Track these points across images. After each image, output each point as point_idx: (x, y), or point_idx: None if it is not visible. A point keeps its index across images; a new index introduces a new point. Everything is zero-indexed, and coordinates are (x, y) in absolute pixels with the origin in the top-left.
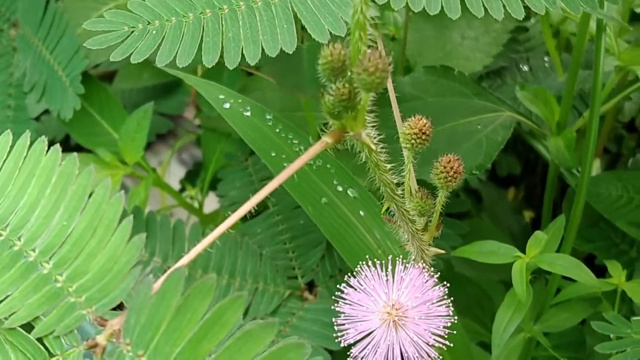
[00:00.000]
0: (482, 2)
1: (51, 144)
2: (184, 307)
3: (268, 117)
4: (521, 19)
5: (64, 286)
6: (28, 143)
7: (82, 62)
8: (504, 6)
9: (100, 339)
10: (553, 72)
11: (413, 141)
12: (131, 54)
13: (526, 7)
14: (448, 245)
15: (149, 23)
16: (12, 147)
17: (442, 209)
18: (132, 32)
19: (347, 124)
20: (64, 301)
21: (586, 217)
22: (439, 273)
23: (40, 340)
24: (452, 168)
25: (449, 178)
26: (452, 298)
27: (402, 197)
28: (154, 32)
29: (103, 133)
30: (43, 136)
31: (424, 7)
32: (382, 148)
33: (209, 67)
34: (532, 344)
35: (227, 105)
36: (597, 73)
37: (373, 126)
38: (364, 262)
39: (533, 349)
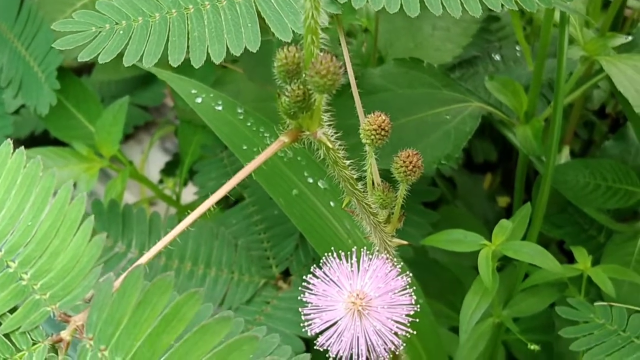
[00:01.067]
0: (441, 1)
1: (30, 136)
2: (143, 303)
3: (239, 110)
4: (478, 16)
5: (29, 284)
6: None
7: (57, 57)
8: (461, 4)
9: (65, 334)
10: (524, 61)
11: (373, 137)
12: (99, 53)
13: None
14: (419, 233)
15: (116, 23)
16: None
17: (410, 198)
18: (100, 32)
19: (304, 124)
20: (29, 298)
21: (555, 204)
22: (401, 263)
23: (7, 336)
24: (411, 162)
25: (408, 172)
26: (425, 283)
27: (363, 191)
28: (121, 32)
29: (80, 126)
30: (8, 139)
31: (383, 6)
32: (340, 145)
33: (175, 65)
34: (501, 328)
35: (199, 100)
36: (560, 64)
37: (330, 124)
38: (330, 253)
39: (503, 333)
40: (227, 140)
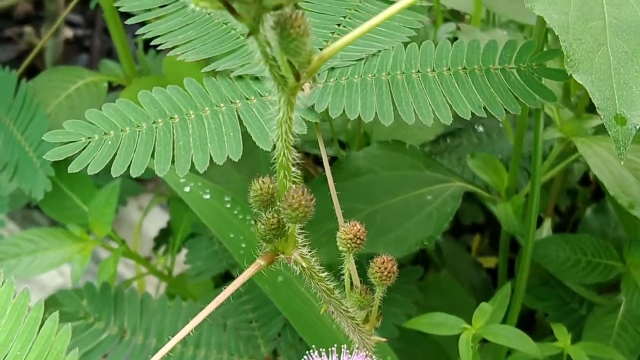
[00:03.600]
0: (414, 109)
1: (28, 206)
2: None
3: (227, 199)
4: (449, 124)
5: None
6: None
7: (52, 143)
8: (433, 112)
9: None
10: (507, 133)
11: (349, 245)
12: (88, 164)
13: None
14: (403, 312)
15: (105, 133)
16: None
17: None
18: (89, 142)
19: (279, 247)
20: None
21: (538, 275)
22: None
23: None
24: (386, 268)
25: (384, 277)
26: (412, 357)
27: (341, 297)
28: (110, 142)
29: (73, 207)
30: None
31: (359, 115)
32: (315, 261)
33: (161, 174)
34: None
35: (187, 189)
36: (536, 149)
37: (304, 244)
38: (311, 351)
39: None
40: (215, 228)
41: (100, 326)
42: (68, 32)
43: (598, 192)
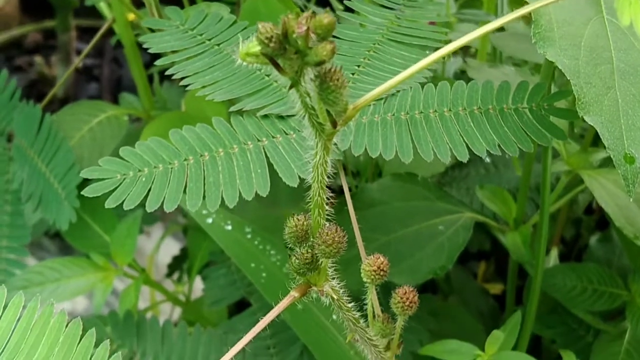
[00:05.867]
0: (432, 147)
1: (46, 233)
2: None
3: (247, 230)
4: (465, 161)
5: None
6: (38, 306)
7: (77, 176)
8: (450, 150)
9: None
10: (513, 164)
11: (372, 277)
12: (124, 200)
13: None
14: (416, 338)
15: (139, 170)
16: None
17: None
18: (124, 179)
19: (312, 280)
20: None
21: (546, 304)
22: None
23: None
24: (407, 298)
25: (406, 307)
26: None
27: (365, 326)
28: (144, 179)
29: (95, 236)
30: (52, 299)
31: (380, 153)
32: (343, 292)
33: (194, 210)
34: None
35: (209, 220)
36: (545, 182)
37: (334, 277)
38: None
39: None
40: (236, 257)
41: (124, 353)
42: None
43: (602, 221)
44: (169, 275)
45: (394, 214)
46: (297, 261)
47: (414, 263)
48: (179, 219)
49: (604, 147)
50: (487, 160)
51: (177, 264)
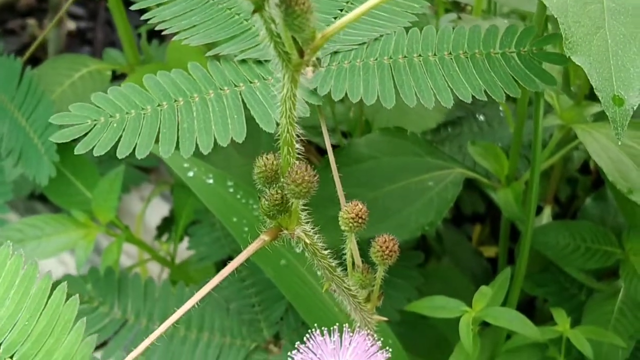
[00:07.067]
0: (415, 92)
1: (31, 196)
2: None
3: (229, 183)
4: (449, 107)
5: None
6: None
7: (57, 130)
8: (434, 95)
9: None
10: (508, 122)
11: (350, 224)
12: (94, 146)
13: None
14: (404, 296)
15: (110, 116)
16: None
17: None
18: (95, 125)
19: (283, 223)
20: None
21: (538, 263)
22: (381, 339)
23: None
24: (387, 247)
25: (385, 256)
26: (413, 342)
27: (343, 275)
28: (115, 124)
29: (77, 193)
30: (8, 241)
31: (361, 98)
32: (318, 238)
33: (166, 156)
34: None
35: (191, 174)
36: (536, 137)
37: (307, 221)
38: (313, 329)
39: None
40: (218, 212)
41: (104, 310)
42: (71, 25)
43: (598, 182)
44: (158, 237)
45: (382, 170)
46: (266, 203)
47: (402, 219)
48: (169, 179)
49: (598, 100)
50: (481, 118)
51: (166, 226)
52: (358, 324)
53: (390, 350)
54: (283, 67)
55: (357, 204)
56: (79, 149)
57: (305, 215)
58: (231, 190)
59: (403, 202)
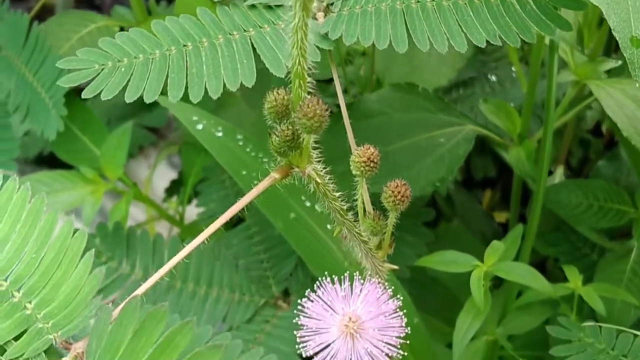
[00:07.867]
0: (428, 36)
1: (39, 156)
2: (139, 332)
3: (239, 137)
4: (463, 52)
5: (33, 313)
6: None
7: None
8: (447, 40)
9: None
10: (520, 82)
11: (362, 169)
12: (101, 90)
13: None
14: (414, 253)
15: (118, 61)
16: None
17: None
18: (102, 69)
19: (294, 161)
20: (32, 327)
21: (550, 222)
22: (392, 287)
23: None
24: (399, 192)
25: (397, 201)
26: (422, 300)
27: (354, 220)
28: (123, 69)
29: (85, 150)
30: (15, 175)
31: (373, 42)
32: (329, 179)
33: (175, 101)
34: (496, 345)
35: (200, 127)
36: (550, 91)
37: (319, 160)
38: (324, 277)
39: (498, 349)
40: (227, 165)
41: (113, 265)
42: None
43: (610, 144)
44: (168, 198)
45: (393, 126)
46: (277, 139)
47: (413, 175)
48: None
49: (612, 56)
50: (493, 79)
51: (174, 187)
52: (369, 272)
53: (402, 298)
54: None
55: (369, 148)
56: (86, 93)
57: (317, 154)
58: (240, 143)
59: (413, 158)
